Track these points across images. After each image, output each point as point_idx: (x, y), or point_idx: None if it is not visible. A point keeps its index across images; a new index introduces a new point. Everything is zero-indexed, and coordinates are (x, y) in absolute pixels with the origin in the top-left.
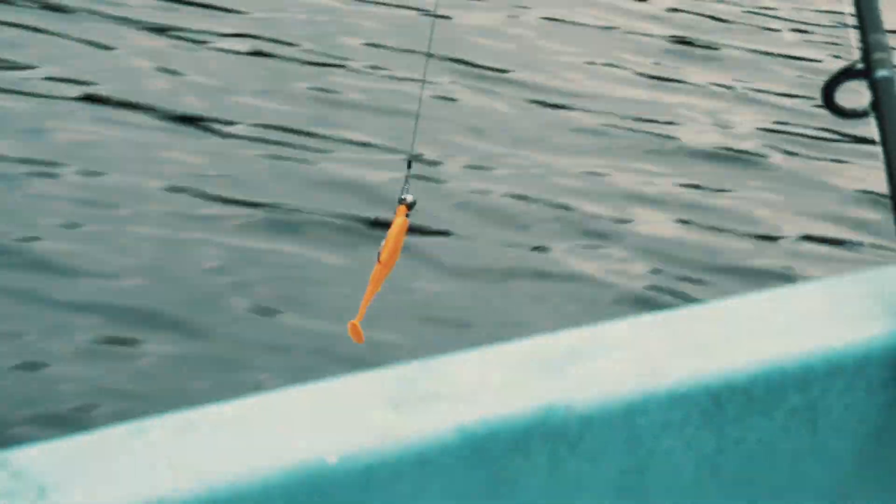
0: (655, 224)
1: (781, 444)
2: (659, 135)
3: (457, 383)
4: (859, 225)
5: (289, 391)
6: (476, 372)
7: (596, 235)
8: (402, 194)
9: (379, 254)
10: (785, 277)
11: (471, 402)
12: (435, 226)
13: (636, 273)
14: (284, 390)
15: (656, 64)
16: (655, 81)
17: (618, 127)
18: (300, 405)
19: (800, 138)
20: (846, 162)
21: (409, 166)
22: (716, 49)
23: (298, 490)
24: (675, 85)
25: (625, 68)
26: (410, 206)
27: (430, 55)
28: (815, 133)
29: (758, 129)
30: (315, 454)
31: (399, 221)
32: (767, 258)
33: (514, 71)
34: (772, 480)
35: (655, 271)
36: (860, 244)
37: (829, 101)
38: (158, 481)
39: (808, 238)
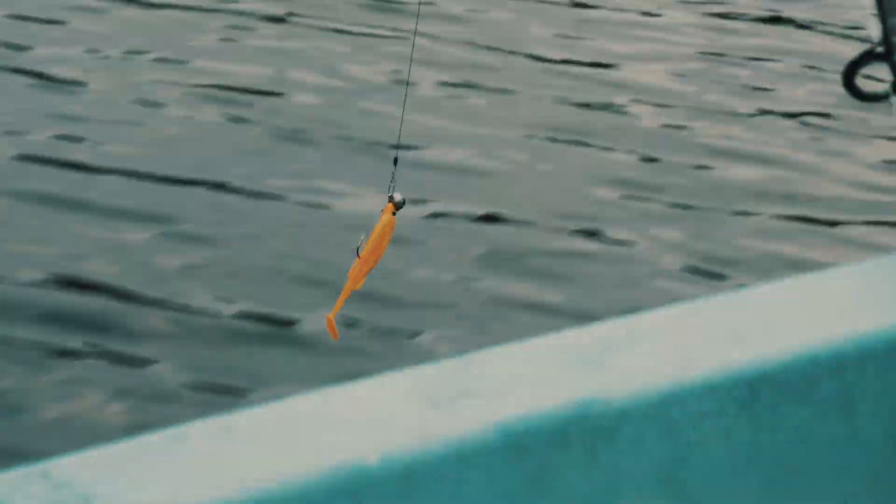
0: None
1: (817, 430)
2: None
3: (492, 379)
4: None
5: (326, 392)
6: (511, 367)
7: None
8: (390, 192)
9: (358, 248)
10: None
11: (507, 398)
12: None
13: None
14: (321, 391)
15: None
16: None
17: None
18: (338, 406)
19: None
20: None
21: (395, 163)
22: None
23: (339, 491)
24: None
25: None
26: (398, 206)
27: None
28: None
29: None
30: (355, 455)
31: (384, 219)
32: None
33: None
34: (809, 467)
35: None
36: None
37: (849, 85)
38: (200, 486)
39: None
